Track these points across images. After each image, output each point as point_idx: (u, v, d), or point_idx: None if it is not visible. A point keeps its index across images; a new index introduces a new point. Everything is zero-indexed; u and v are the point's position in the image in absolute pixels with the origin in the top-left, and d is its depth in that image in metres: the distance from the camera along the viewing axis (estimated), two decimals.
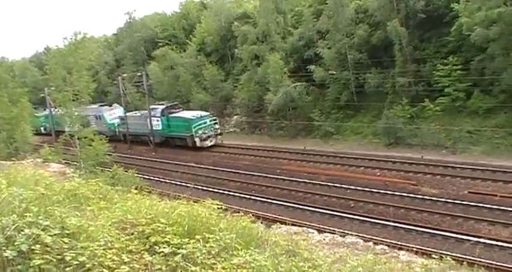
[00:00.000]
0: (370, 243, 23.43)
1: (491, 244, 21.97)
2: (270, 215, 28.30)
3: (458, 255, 19.97)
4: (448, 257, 9.60)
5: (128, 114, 58.66)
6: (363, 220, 26.80)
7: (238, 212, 10.85)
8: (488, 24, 36.59)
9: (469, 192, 28.80)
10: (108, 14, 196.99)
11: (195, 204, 8.85)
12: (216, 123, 51.92)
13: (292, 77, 50.52)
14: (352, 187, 32.23)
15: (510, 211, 25.27)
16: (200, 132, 49.70)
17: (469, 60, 40.18)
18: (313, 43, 51.68)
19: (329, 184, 33.55)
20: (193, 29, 69.70)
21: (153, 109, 53.94)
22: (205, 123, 50.62)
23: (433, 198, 28.62)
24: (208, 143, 49.92)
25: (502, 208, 25.70)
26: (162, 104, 55.15)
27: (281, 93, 48.49)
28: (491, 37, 36.63)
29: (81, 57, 35.96)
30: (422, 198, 28.91)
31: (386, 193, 30.34)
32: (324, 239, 24.74)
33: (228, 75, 61.36)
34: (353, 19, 47.97)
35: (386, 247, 22.35)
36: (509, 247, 21.62)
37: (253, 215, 12.57)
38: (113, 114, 62.89)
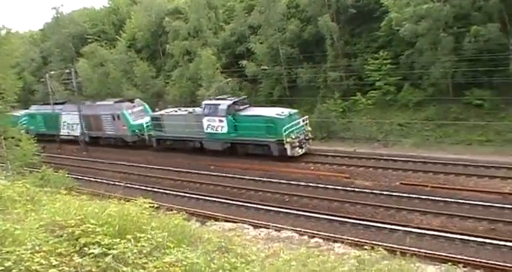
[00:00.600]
0: (305, 237, 23.91)
1: (424, 234, 22.57)
2: (205, 212, 28.43)
3: (392, 245, 20.45)
4: (380, 248, 9.75)
5: (162, 112, 46.28)
6: (298, 214, 26.93)
7: (172, 210, 10.76)
8: (416, 20, 37.67)
9: (401, 183, 29.39)
10: (34, 9, 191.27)
11: (127, 203, 8.75)
12: (307, 123, 38.99)
13: (224, 73, 50.33)
14: (287, 181, 32.40)
15: (440, 200, 25.99)
16: (293, 136, 36.68)
17: (398, 54, 41.26)
18: (245, 38, 51.78)
19: (263, 179, 33.61)
20: (123, 24, 68.45)
21: (210, 106, 40.31)
22: (298, 124, 37.73)
23: (366, 190, 29.07)
24: (300, 151, 37.06)
25: (432, 198, 26.37)
26: (224, 98, 40.82)
27: (214, 88, 48.27)
28: (420, 32, 37.70)
29: (5, 54, 34.75)
30: (356, 191, 29.30)
31: (321, 187, 30.60)
32: (260, 234, 24.97)
33: (159, 72, 60.51)
34: (285, 14, 48.30)
35: (321, 240, 22.89)
36: (440, 236, 22.23)
37: (187, 212, 12.40)
38: (137, 112, 49.07)
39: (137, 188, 34.07)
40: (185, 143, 43.52)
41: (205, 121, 40.39)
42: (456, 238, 21.86)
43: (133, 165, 42.12)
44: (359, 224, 24.65)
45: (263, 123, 37.41)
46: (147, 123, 46.79)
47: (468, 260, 19.61)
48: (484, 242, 21.19)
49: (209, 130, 40.42)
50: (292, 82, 47.48)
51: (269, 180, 33.21)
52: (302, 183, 31.67)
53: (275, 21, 47.49)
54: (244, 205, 29.56)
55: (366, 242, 21.01)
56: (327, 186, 30.52)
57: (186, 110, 44.35)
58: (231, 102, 39.38)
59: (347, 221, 25.15)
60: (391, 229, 23.52)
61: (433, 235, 22.39)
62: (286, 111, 38.14)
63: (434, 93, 38.88)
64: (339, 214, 26.17)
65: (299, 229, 24.22)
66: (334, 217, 25.80)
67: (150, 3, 62.31)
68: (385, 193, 28.21)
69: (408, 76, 40.58)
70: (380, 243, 21.16)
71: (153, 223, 7.67)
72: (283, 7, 47.92)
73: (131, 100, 50.65)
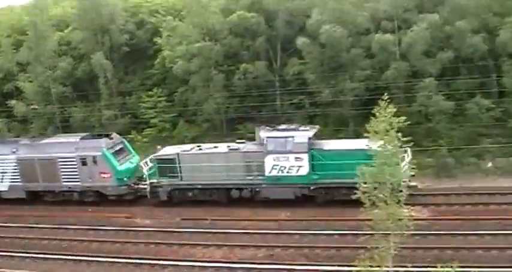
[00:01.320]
0: None
1: (207, 266, 22.96)
2: None
3: None
4: None
5: (176, 150, 32.04)
6: (78, 260, 25.67)
7: None
8: (189, 58, 38.91)
9: (182, 219, 29.55)
10: None
11: None
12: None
13: None
14: (64, 226, 30.69)
15: (221, 232, 26.77)
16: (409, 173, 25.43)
17: (173, 91, 42.27)
18: (13, 76, 48.76)
19: (38, 225, 31.42)
20: None
21: (277, 140, 29.00)
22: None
23: (148, 229, 28.89)
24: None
25: (213, 230, 27.03)
26: (294, 129, 29.91)
27: None
28: (192, 70, 39.11)
29: None
30: (137, 230, 28.93)
31: (100, 229, 29.59)
32: None
33: None
34: (56, 51, 46.52)
35: None
36: (223, 266, 22.81)
37: None
38: (120, 152, 34.12)
39: None
40: (221, 193, 31.26)
41: (269, 160, 29.17)
42: (237, 268, 22.51)
43: None
44: (142, 263, 24.22)
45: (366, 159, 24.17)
46: (151, 166, 32.49)
47: None
48: (264, 269, 22.06)
49: (275, 173, 29.32)
50: (66, 122, 45.95)
51: (45, 226, 31.17)
52: (82, 227, 30.27)
53: (45, 58, 45.46)
54: (17, 256, 27.27)
55: None
56: (107, 228, 29.63)
57: (215, 147, 32.03)
58: (312, 133, 29.11)
59: (128, 262, 24.56)
60: (175, 265, 23.47)
61: (216, 266, 22.86)
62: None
63: (208, 128, 40.15)
64: (121, 255, 25.49)
65: None
66: (117, 259, 25.04)
67: None
68: (166, 230, 28.18)
69: (183, 113, 41.65)
70: None
71: None
72: (54, 44, 46.08)
73: (108, 135, 34.83)
